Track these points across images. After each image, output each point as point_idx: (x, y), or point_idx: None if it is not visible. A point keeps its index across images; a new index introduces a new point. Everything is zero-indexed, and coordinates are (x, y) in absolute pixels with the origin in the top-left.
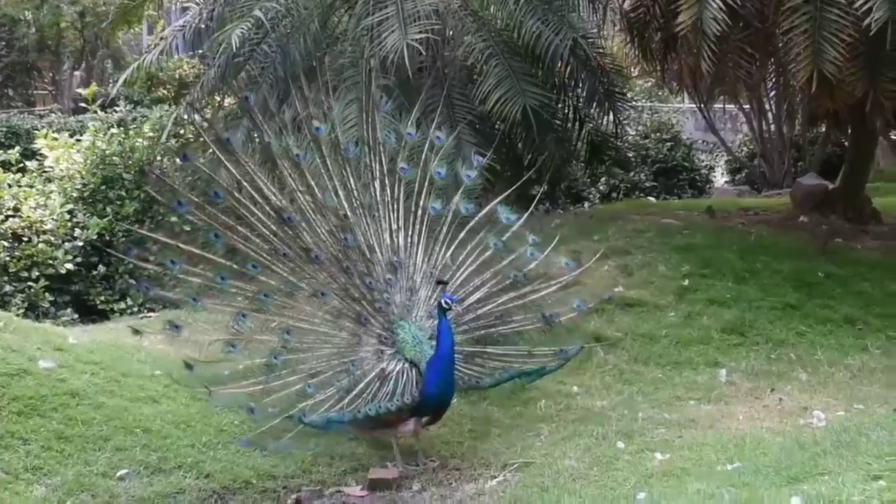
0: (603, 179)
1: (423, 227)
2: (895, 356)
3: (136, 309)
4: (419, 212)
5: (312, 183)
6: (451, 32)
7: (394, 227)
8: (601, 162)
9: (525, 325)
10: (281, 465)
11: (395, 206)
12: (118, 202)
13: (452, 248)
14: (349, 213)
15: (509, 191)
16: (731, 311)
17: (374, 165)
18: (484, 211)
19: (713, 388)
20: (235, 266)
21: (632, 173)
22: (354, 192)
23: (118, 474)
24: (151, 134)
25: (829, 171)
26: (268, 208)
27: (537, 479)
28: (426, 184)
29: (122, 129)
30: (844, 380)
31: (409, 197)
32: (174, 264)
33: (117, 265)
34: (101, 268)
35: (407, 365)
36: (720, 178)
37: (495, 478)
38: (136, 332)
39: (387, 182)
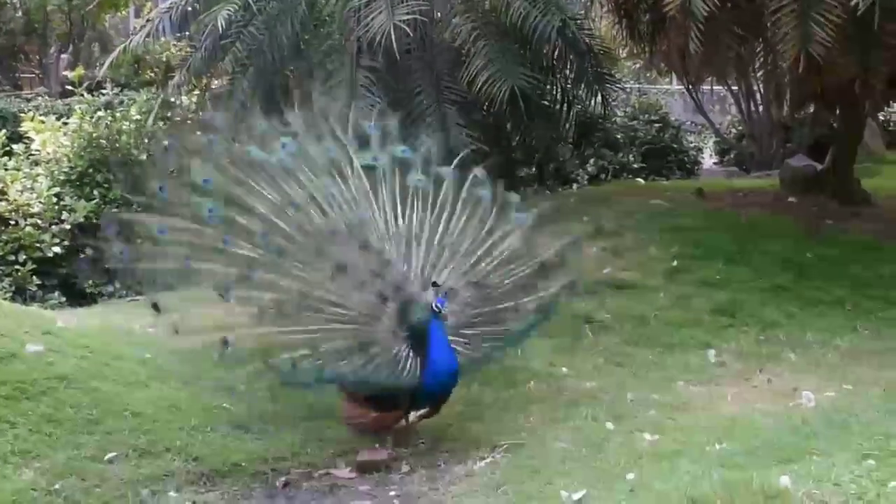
0: (591, 161)
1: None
2: (885, 338)
3: (123, 292)
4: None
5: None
6: (438, 14)
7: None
8: (590, 143)
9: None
10: (270, 447)
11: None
12: (105, 185)
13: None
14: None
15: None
16: (722, 292)
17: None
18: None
19: (703, 369)
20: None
21: (620, 154)
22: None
23: (107, 457)
24: (138, 117)
25: (818, 153)
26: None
27: (527, 460)
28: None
29: (109, 112)
30: (834, 361)
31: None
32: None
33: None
34: (89, 251)
35: (412, 350)
36: (709, 160)
37: (484, 459)
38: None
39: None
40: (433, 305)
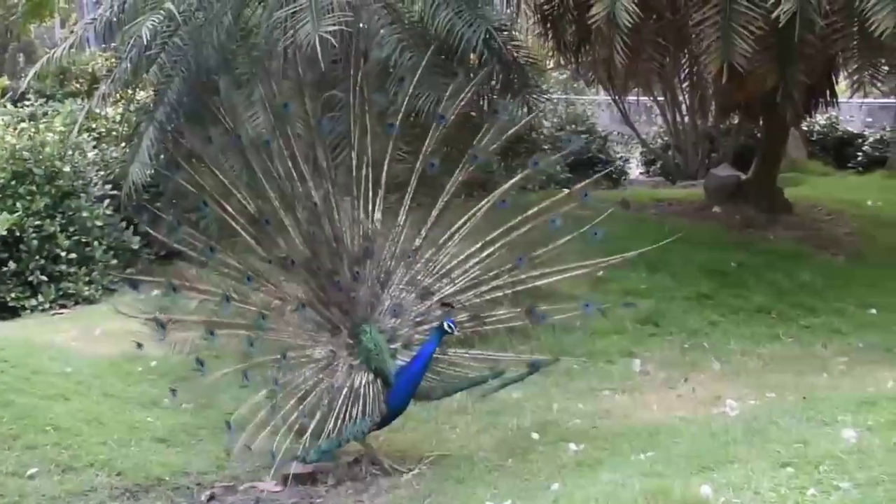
0: (518, 171)
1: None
2: (806, 344)
3: (47, 305)
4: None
5: (283, 170)
6: (365, 25)
7: (368, 205)
8: (516, 154)
9: (503, 322)
10: (194, 461)
11: (370, 178)
12: (28, 197)
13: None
14: (320, 201)
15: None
16: (646, 301)
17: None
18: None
19: (628, 378)
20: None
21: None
22: (327, 171)
23: (28, 473)
24: (62, 128)
25: (743, 163)
26: (243, 219)
27: (452, 471)
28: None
29: (32, 123)
30: (757, 368)
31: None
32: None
33: (27, 261)
34: (12, 264)
35: (371, 376)
36: (635, 170)
37: (411, 470)
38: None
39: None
40: (445, 326)
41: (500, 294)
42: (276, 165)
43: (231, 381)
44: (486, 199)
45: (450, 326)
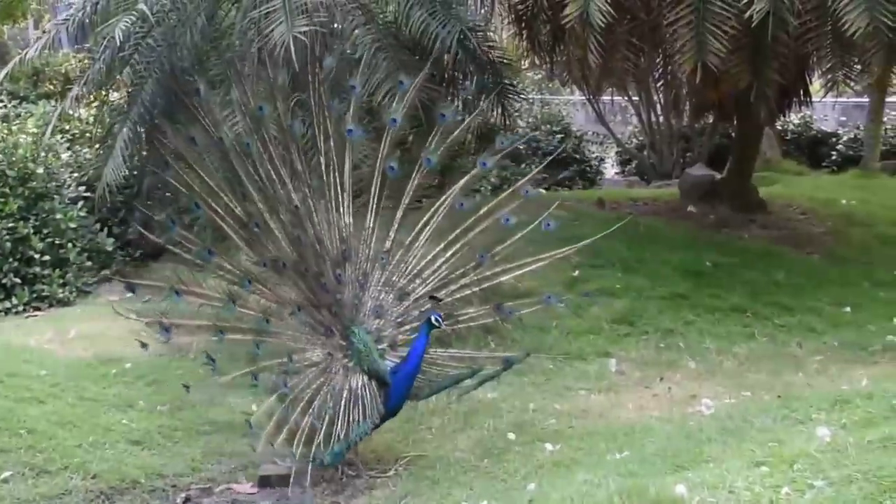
0: (494, 172)
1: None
2: (781, 343)
3: (21, 308)
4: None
5: (263, 173)
6: (339, 26)
7: (339, 207)
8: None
9: (476, 320)
10: (170, 463)
11: (337, 182)
12: (1, 199)
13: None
14: (299, 204)
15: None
16: (621, 301)
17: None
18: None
19: (603, 377)
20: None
21: (523, 165)
22: (303, 173)
23: (2, 476)
24: (35, 130)
25: (718, 162)
26: (233, 221)
27: (428, 471)
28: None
29: (5, 125)
30: (732, 367)
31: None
32: None
33: (1, 264)
34: None
35: (366, 378)
36: (610, 170)
37: (386, 471)
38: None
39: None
40: (432, 319)
41: (469, 292)
42: (258, 168)
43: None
44: (440, 201)
45: (437, 320)
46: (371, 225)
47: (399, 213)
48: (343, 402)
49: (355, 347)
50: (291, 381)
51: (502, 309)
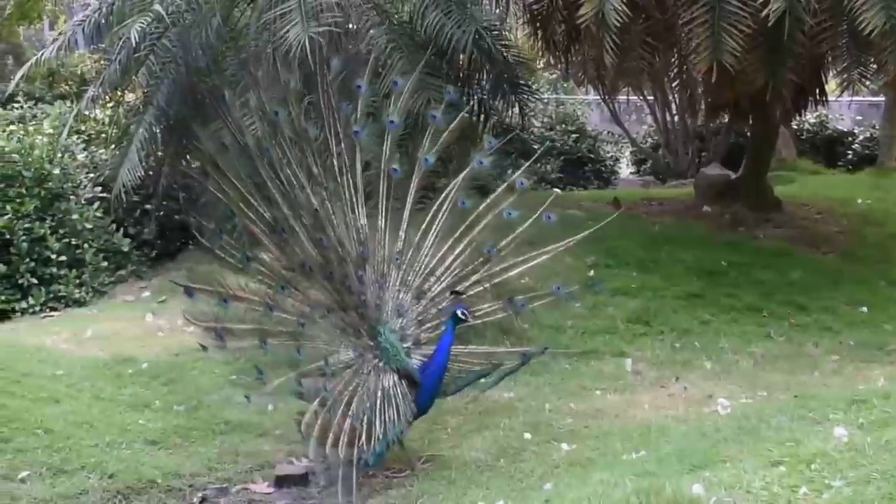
0: (509, 172)
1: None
2: (797, 343)
3: (38, 308)
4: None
5: (283, 177)
6: (354, 26)
7: (355, 209)
8: (507, 154)
9: (490, 316)
10: (186, 463)
11: (351, 184)
12: (18, 200)
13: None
14: (319, 207)
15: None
16: (637, 300)
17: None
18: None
19: (619, 377)
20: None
21: (538, 165)
22: (319, 176)
23: (20, 476)
24: (51, 130)
25: (733, 161)
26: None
27: (444, 471)
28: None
29: (21, 126)
30: (748, 367)
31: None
32: None
33: (17, 264)
34: (2, 267)
35: (396, 377)
36: (625, 169)
37: (402, 471)
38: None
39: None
40: (458, 314)
41: (481, 288)
42: (278, 172)
43: (221, 383)
44: (440, 200)
45: (463, 314)
46: (383, 226)
47: (406, 214)
48: (378, 402)
49: (383, 347)
50: (330, 384)
51: (514, 303)
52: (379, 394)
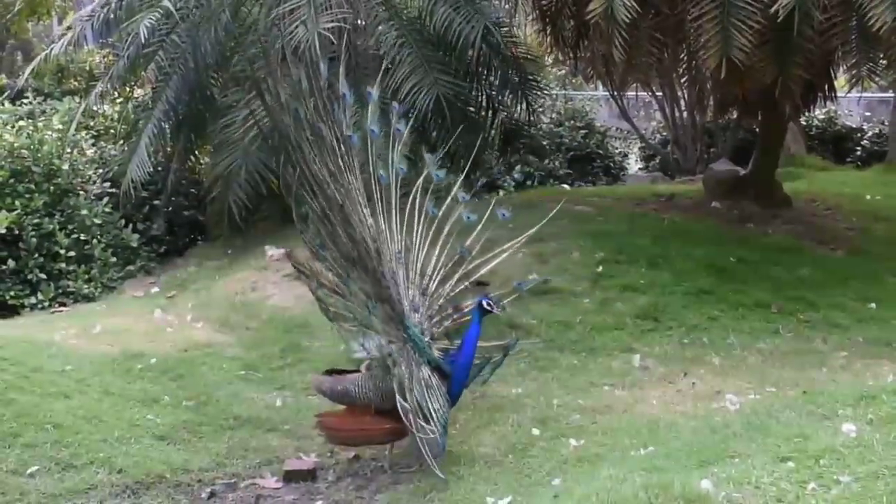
0: (518, 167)
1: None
2: (806, 339)
3: (46, 303)
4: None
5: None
6: (362, 22)
7: (364, 208)
8: (515, 150)
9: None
10: (195, 458)
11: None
12: (27, 195)
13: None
14: (343, 202)
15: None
16: (645, 296)
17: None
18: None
19: (627, 373)
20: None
21: (546, 161)
22: (336, 173)
23: (29, 471)
24: (60, 126)
25: (742, 157)
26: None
27: (452, 467)
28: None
29: (30, 121)
30: (756, 363)
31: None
32: None
33: (27, 259)
34: (11, 262)
35: (429, 368)
36: (634, 165)
37: (411, 467)
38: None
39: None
40: (484, 304)
41: (463, 286)
42: (310, 167)
43: (230, 379)
44: (409, 206)
45: (488, 304)
46: (384, 227)
47: (394, 216)
48: (426, 390)
49: (412, 338)
50: (396, 370)
51: (490, 299)
52: (423, 382)
